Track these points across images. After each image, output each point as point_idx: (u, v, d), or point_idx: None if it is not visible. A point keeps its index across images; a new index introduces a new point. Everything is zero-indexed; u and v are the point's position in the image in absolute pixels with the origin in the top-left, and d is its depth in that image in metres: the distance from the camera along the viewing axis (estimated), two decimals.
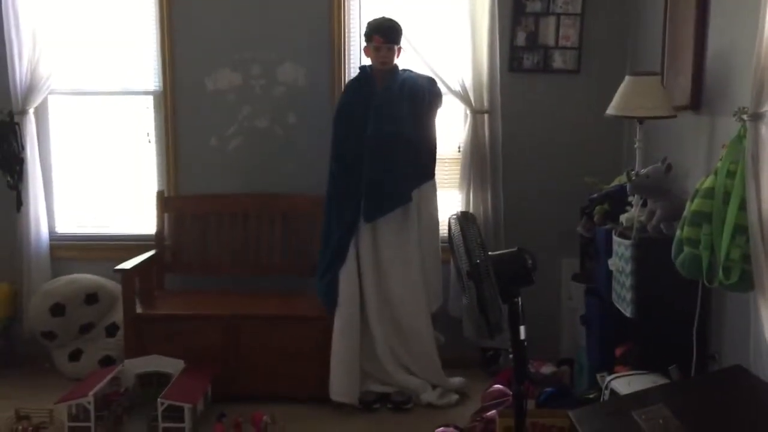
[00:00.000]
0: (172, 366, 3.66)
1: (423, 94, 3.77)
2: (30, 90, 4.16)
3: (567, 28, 4.10)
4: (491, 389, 3.62)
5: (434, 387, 3.84)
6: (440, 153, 3.94)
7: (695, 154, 3.10)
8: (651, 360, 2.88)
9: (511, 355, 2.59)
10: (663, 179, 2.96)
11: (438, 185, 3.93)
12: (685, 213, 2.49)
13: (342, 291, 3.72)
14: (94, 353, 4.10)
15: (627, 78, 3.21)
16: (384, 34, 3.70)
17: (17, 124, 4.17)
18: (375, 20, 3.77)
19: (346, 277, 3.73)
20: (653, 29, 3.66)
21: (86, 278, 4.19)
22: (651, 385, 2.63)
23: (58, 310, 4.05)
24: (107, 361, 4.04)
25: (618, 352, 3.10)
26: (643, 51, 3.89)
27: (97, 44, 4.30)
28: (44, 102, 4.31)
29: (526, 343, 2.60)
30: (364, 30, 3.77)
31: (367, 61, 3.84)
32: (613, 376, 2.89)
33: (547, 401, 3.47)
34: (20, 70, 4.13)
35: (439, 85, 3.91)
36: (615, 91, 3.24)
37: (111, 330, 4.12)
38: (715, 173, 2.41)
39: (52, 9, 4.10)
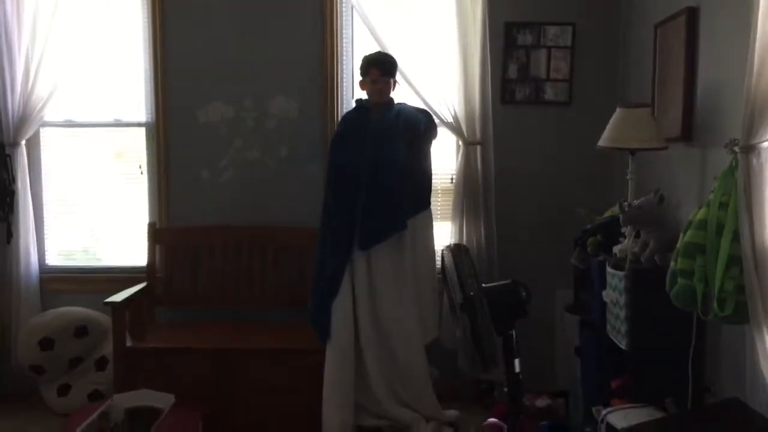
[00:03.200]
0: (163, 400, 3.59)
1: (418, 125, 3.79)
2: (22, 122, 4.15)
3: (558, 60, 4.14)
4: (486, 423, 3.58)
5: (428, 420, 3.79)
6: (433, 184, 3.94)
7: (687, 186, 3.11)
8: (647, 392, 2.85)
9: (505, 389, 2.57)
10: (655, 210, 2.96)
11: (432, 216, 3.93)
12: (679, 244, 2.50)
13: (335, 321, 3.69)
14: (83, 388, 4.04)
15: (618, 110, 3.23)
16: (380, 68, 3.73)
17: (9, 156, 4.16)
18: (371, 54, 3.81)
19: (340, 306, 3.70)
20: (643, 61, 3.69)
21: (76, 311, 4.14)
22: (647, 419, 2.61)
23: (46, 343, 3.99)
24: (96, 396, 3.98)
25: (614, 384, 3.07)
26: (634, 83, 3.93)
27: (90, 76, 4.31)
28: (36, 134, 4.30)
29: (521, 376, 2.59)
30: (359, 64, 3.79)
31: (362, 95, 3.86)
32: (608, 409, 2.86)
33: None
34: (12, 102, 4.12)
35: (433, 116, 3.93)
36: (606, 122, 3.26)
37: (100, 364, 4.07)
38: (708, 205, 2.42)
39: (44, 41, 4.11)
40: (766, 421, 2.23)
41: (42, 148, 4.37)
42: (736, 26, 2.61)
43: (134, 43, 4.28)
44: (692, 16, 3.07)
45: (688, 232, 2.44)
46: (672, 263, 2.52)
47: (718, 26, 2.88)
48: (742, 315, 2.31)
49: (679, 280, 2.46)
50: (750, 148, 2.26)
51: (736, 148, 2.32)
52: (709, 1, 2.98)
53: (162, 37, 4.21)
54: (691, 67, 3.08)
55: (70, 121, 4.38)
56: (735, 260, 2.30)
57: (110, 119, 4.36)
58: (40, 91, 4.15)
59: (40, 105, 4.16)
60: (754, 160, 2.25)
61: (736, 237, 2.30)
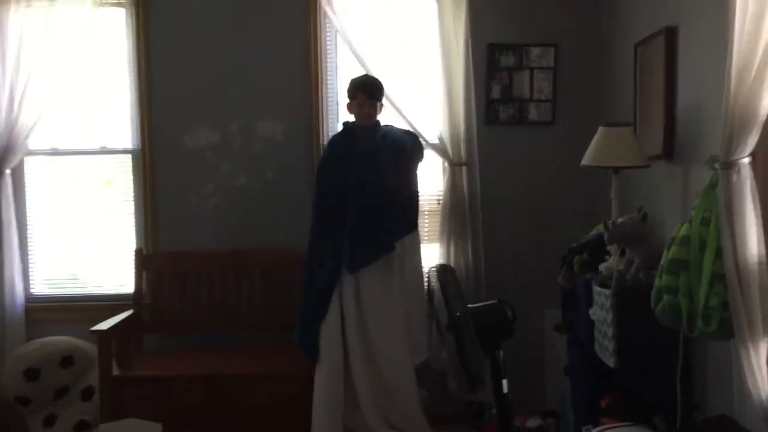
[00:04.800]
0: (149, 430, 3.55)
1: (405, 147, 3.80)
2: (7, 151, 4.13)
3: (541, 81, 4.17)
4: None
5: None
6: (420, 205, 3.95)
7: (670, 203, 3.13)
8: (636, 410, 2.85)
9: (494, 410, 2.56)
10: (639, 228, 2.98)
11: (420, 238, 3.93)
12: (663, 261, 2.50)
13: (324, 343, 3.67)
14: (70, 418, 3.98)
15: (600, 129, 3.26)
16: (367, 91, 3.76)
17: None
18: (358, 78, 3.83)
19: (329, 329, 3.69)
20: (625, 80, 3.73)
21: (62, 340, 4.09)
22: None
23: (32, 374, 3.94)
24: (83, 426, 3.93)
25: (603, 403, 3.07)
26: (616, 102, 3.96)
27: (75, 104, 4.31)
28: (21, 163, 4.28)
29: (510, 397, 2.58)
30: (346, 87, 3.82)
31: (348, 117, 3.88)
32: (598, 428, 2.85)
33: None
34: None
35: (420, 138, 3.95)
36: (590, 141, 3.28)
37: (87, 394, 4.02)
38: (690, 221, 2.43)
39: (28, 69, 4.10)
40: None
41: (27, 176, 4.35)
42: (713, 45, 2.64)
43: (119, 69, 4.29)
44: (671, 35, 3.11)
45: (672, 249, 2.45)
46: (657, 280, 2.53)
47: (696, 45, 2.92)
48: (727, 331, 2.31)
49: (664, 296, 2.47)
50: (730, 165, 2.28)
51: (717, 165, 2.33)
52: (687, 21, 3.02)
53: (147, 63, 4.22)
54: (671, 86, 3.11)
55: (56, 149, 4.37)
56: (718, 277, 2.31)
57: (96, 147, 4.36)
58: (25, 120, 4.13)
59: (25, 134, 4.14)
60: (735, 177, 2.27)
61: (718, 253, 2.31)
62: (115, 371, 3.75)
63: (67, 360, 4.02)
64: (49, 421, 4.00)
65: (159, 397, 3.69)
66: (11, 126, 4.11)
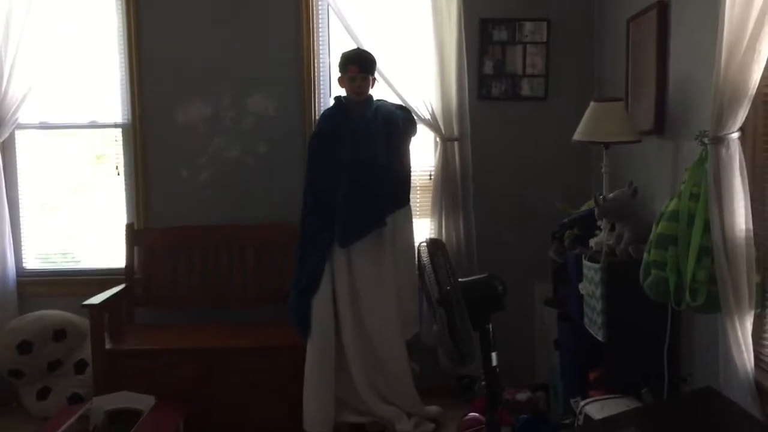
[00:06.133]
0: (143, 402, 3.58)
1: (397, 122, 3.80)
2: None
3: (533, 56, 4.16)
4: (467, 417, 3.60)
5: (410, 416, 3.81)
6: (412, 181, 3.95)
7: (660, 178, 3.14)
8: (624, 383, 2.88)
9: (483, 382, 2.59)
10: (629, 203, 2.99)
11: (412, 213, 3.94)
12: (651, 236, 2.52)
13: (315, 317, 3.69)
14: (63, 391, 4.01)
15: (592, 104, 3.26)
16: (359, 65, 3.73)
17: None
18: (349, 51, 3.81)
19: (320, 303, 3.71)
20: (617, 56, 3.72)
21: (54, 314, 4.11)
22: (624, 409, 2.64)
23: (25, 347, 3.96)
24: (76, 399, 3.95)
25: (592, 376, 3.10)
26: (609, 77, 3.96)
27: (65, 77, 4.28)
28: (11, 136, 4.26)
29: (498, 370, 2.61)
30: (338, 61, 3.79)
31: (340, 91, 3.87)
32: (586, 400, 2.89)
33: (523, 428, 3.46)
34: None
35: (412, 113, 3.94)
36: (582, 117, 3.29)
37: (80, 367, 4.04)
38: (679, 196, 2.44)
39: (17, 41, 4.05)
40: (738, 408, 2.26)
41: (17, 150, 4.33)
42: (705, 19, 2.63)
43: (110, 42, 4.25)
44: (663, 10, 3.10)
45: (660, 224, 2.47)
46: (645, 255, 2.55)
47: (688, 20, 2.91)
48: (714, 305, 2.34)
49: (652, 271, 2.49)
50: (719, 140, 2.28)
51: (706, 140, 2.34)
52: None
53: (138, 36, 4.19)
54: (663, 61, 3.11)
55: (46, 123, 4.34)
56: (706, 250, 2.32)
57: (86, 121, 4.33)
58: (15, 93, 4.10)
59: (15, 107, 4.12)
60: (723, 151, 2.28)
61: (706, 227, 2.32)
62: (108, 345, 3.77)
63: (59, 333, 4.03)
64: (43, 393, 4.02)
65: (151, 370, 3.72)
66: (0, 99, 4.08)
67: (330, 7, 4.13)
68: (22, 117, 4.21)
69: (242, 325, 4.07)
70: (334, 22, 4.18)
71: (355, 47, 3.90)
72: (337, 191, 3.68)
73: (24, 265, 4.36)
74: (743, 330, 2.28)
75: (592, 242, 3.15)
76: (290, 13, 4.18)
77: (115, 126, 4.31)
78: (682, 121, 2.94)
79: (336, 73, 3.83)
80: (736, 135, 2.27)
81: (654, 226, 2.52)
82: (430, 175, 4.17)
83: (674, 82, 3.05)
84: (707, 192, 2.32)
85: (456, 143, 4.05)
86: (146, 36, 4.20)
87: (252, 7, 4.18)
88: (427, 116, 4.04)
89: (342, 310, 3.76)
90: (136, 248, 4.20)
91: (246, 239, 4.18)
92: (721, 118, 2.27)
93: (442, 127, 4.04)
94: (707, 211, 2.32)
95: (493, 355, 2.51)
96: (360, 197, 3.67)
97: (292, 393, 3.65)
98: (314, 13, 4.21)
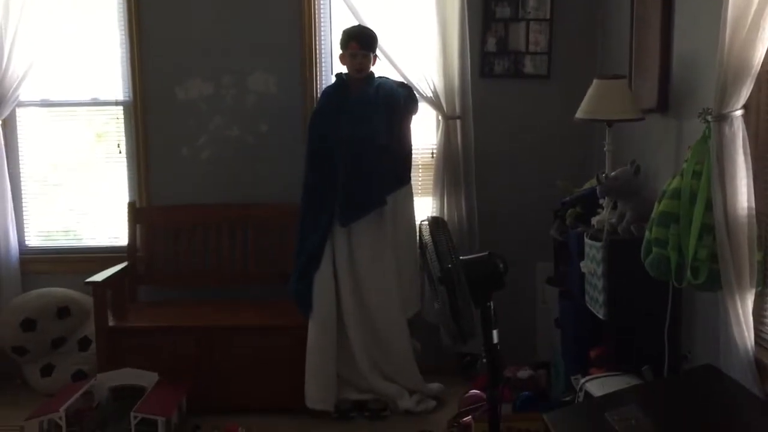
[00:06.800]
0: (146, 379, 3.62)
1: (398, 99, 3.78)
2: None
3: (536, 33, 4.12)
4: (468, 395, 3.62)
5: (411, 393, 3.83)
6: (414, 159, 3.94)
7: (663, 156, 3.12)
8: (624, 361, 2.89)
9: (485, 360, 2.59)
10: (632, 181, 2.98)
11: (413, 191, 3.93)
12: (653, 214, 2.51)
13: (317, 296, 3.71)
14: (67, 368, 4.04)
15: (595, 81, 3.23)
16: (360, 42, 3.71)
17: None
18: (351, 28, 3.78)
19: (322, 281, 3.72)
20: (621, 33, 3.69)
21: (57, 292, 4.13)
22: (624, 386, 2.64)
23: (28, 324, 3.99)
24: (80, 376, 3.98)
25: (593, 353, 3.11)
26: (612, 54, 3.92)
27: (66, 55, 4.26)
28: (12, 114, 4.25)
29: (499, 347, 2.61)
30: (339, 38, 3.77)
31: (341, 69, 3.84)
32: (587, 378, 2.90)
33: (524, 405, 3.48)
34: None
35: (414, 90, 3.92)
36: (585, 95, 3.26)
37: (83, 344, 4.07)
38: (682, 174, 2.43)
39: (18, 17, 4.03)
40: (737, 386, 2.27)
41: (19, 128, 4.32)
42: None
43: (110, 20, 4.23)
44: None
45: (663, 202, 2.46)
46: (647, 233, 2.55)
47: None
48: (715, 283, 2.33)
49: (654, 249, 2.48)
50: (722, 117, 2.26)
51: (709, 118, 2.33)
52: None
53: (138, 14, 4.16)
54: (667, 38, 3.07)
55: (47, 100, 4.33)
56: (708, 228, 2.32)
57: (87, 98, 4.32)
58: (16, 70, 4.08)
59: (16, 84, 4.10)
60: (727, 129, 2.26)
61: (708, 205, 2.31)
62: (111, 322, 3.79)
63: (63, 311, 4.05)
64: (47, 370, 4.05)
65: (154, 347, 3.74)
66: (1, 76, 4.07)
67: None
68: (23, 95, 4.20)
69: (244, 303, 4.09)
70: None
71: (357, 24, 3.87)
72: (338, 169, 3.68)
73: (26, 242, 4.38)
74: (744, 308, 2.28)
75: (594, 220, 3.14)
76: None
77: (116, 104, 4.29)
78: (686, 99, 2.92)
79: (337, 50, 3.81)
80: (739, 113, 2.26)
81: (656, 204, 2.51)
82: (432, 154, 4.16)
83: (678, 59, 3.03)
84: (710, 170, 2.31)
85: (458, 121, 4.03)
86: (147, 13, 4.17)
87: None
88: (429, 94, 4.02)
89: (343, 288, 3.77)
90: (138, 226, 4.21)
91: (247, 217, 4.18)
92: (724, 96, 2.25)
93: (444, 105, 4.02)
94: (709, 189, 2.31)
95: (495, 332, 2.51)
96: (360, 176, 3.67)
97: (294, 371, 3.68)
98: None
